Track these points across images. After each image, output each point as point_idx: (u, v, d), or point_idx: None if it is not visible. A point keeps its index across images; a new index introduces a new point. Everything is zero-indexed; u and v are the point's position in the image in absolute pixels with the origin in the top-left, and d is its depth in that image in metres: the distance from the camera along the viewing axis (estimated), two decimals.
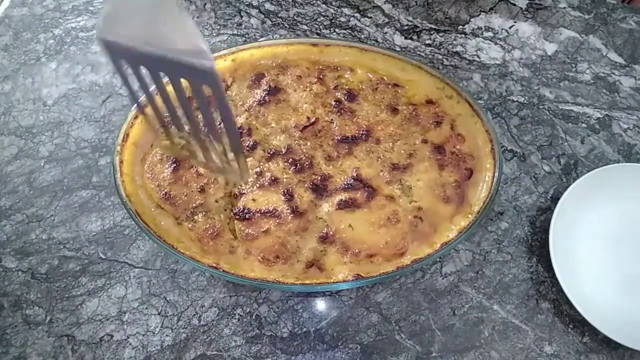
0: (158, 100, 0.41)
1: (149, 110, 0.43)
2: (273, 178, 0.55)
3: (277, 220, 0.53)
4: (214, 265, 0.50)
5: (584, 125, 0.67)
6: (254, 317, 0.55)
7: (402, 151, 0.57)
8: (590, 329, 0.54)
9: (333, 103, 0.59)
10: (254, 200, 0.54)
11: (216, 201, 0.54)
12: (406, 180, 0.56)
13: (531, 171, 0.64)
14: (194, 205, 0.53)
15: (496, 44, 0.73)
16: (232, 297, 0.56)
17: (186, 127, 0.43)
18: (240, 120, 0.58)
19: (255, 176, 0.55)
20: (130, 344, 0.54)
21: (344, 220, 0.53)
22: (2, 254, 0.58)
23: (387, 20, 0.74)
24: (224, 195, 0.54)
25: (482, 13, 0.75)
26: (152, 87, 0.39)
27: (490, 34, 0.73)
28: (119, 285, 0.57)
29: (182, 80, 0.37)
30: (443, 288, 0.57)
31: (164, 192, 0.54)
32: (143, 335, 0.54)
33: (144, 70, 0.38)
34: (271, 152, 0.56)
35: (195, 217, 0.53)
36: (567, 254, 0.55)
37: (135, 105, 0.43)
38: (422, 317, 0.56)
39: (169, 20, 0.34)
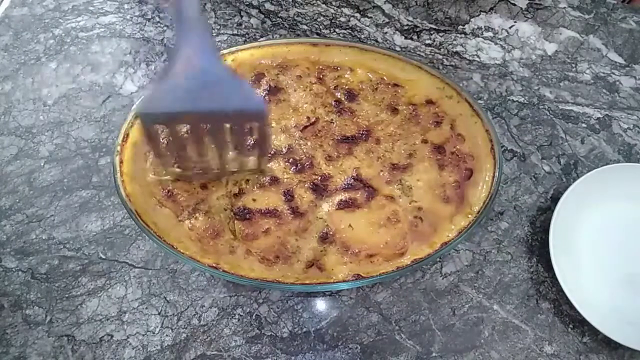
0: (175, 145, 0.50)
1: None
2: (273, 178, 0.55)
3: (277, 220, 0.53)
4: (214, 265, 0.50)
5: (584, 125, 0.67)
6: (254, 317, 0.55)
7: (402, 151, 0.57)
8: (590, 329, 0.54)
9: (333, 103, 0.59)
10: (254, 200, 0.54)
11: (217, 198, 0.54)
12: (406, 180, 0.56)
13: (531, 171, 0.64)
14: (196, 201, 0.53)
15: (496, 44, 0.73)
16: (232, 297, 0.56)
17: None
18: None
19: (256, 176, 0.55)
20: (130, 344, 0.54)
21: (344, 220, 0.53)
22: (2, 254, 0.58)
23: (387, 20, 0.74)
24: (225, 194, 0.54)
25: (482, 13, 0.75)
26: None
27: (490, 34, 0.73)
28: (119, 285, 0.57)
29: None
30: (443, 288, 0.57)
31: (166, 189, 0.53)
32: (143, 335, 0.54)
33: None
34: (272, 152, 0.56)
35: (196, 215, 0.53)
36: (567, 254, 0.55)
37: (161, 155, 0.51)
38: (422, 317, 0.56)
39: (227, 86, 0.44)
